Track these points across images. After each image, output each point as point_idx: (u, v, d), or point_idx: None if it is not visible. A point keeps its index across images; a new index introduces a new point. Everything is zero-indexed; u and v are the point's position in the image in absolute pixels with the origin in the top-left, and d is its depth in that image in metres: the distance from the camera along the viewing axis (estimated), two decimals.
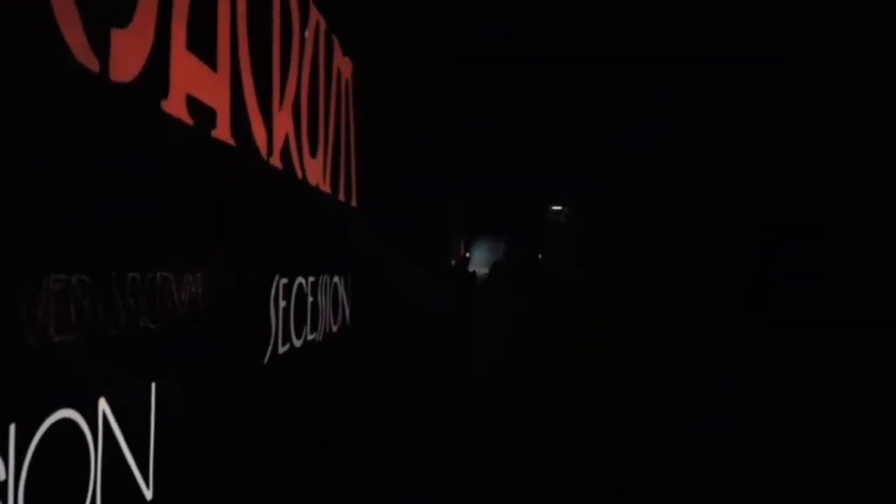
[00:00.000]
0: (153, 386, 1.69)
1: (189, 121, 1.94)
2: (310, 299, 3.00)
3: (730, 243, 6.51)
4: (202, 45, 2.02)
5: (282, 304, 2.64)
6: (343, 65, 3.48)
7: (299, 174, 2.89)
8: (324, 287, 3.24)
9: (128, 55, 1.62)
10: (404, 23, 5.31)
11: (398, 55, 5.14)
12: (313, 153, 3.05)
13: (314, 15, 3.00)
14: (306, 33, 2.90)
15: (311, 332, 3.05)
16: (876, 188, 4.80)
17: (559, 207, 15.31)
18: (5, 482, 1.15)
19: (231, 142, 2.23)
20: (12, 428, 1.19)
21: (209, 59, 2.07)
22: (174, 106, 1.86)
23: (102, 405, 1.47)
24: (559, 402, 5.22)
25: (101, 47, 1.51)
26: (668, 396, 5.30)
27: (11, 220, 1.24)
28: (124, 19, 1.61)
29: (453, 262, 11.36)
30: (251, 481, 2.39)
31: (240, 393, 2.26)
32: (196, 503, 1.96)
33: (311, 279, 3.02)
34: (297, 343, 2.83)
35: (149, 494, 1.67)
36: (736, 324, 5.92)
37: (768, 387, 4.86)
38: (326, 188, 3.28)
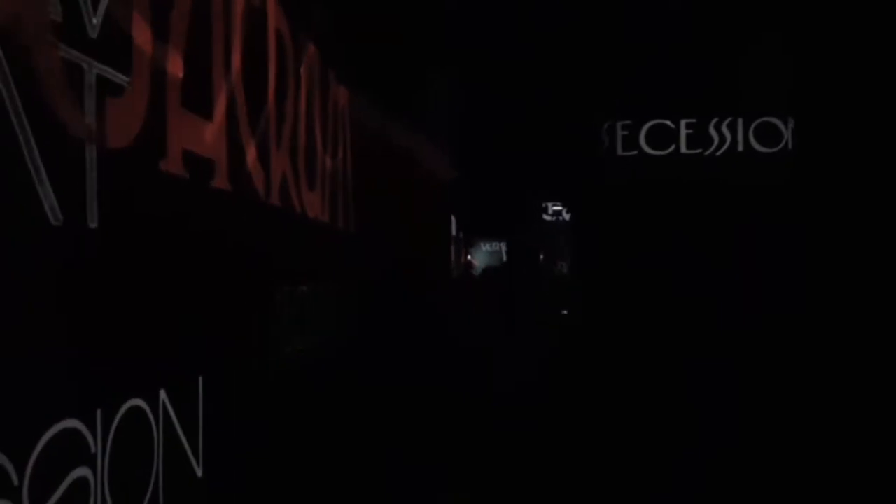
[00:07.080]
0: (200, 380, 2.01)
1: (187, 175, 1.95)
2: (309, 310, 3.08)
3: None
4: (198, 98, 2.02)
5: (285, 314, 2.78)
6: (338, 94, 3.49)
7: (298, 209, 2.90)
8: (321, 300, 3.29)
9: (124, 123, 1.63)
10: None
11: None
12: (311, 186, 3.06)
13: (310, 50, 3.01)
14: (301, 69, 2.90)
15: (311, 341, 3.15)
16: None
17: (558, 207, 15.32)
18: (95, 453, 1.50)
19: (229, 188, 2.24)
20: (98, 412, 1.52)
21: (205, 110, 2.08)
22: (172, 164, 1.87)
23: (163, 395, 1.80)
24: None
25: (98, 118, 1.53)
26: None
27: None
28: (119, 88, 1.62)
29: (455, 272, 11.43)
30: (256, 475, 2.52)
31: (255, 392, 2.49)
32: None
33: (307, 293, 3.07)
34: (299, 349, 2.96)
35: (199, 472, 2.01)
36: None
37: None
38: (325, 218, 3.29)
